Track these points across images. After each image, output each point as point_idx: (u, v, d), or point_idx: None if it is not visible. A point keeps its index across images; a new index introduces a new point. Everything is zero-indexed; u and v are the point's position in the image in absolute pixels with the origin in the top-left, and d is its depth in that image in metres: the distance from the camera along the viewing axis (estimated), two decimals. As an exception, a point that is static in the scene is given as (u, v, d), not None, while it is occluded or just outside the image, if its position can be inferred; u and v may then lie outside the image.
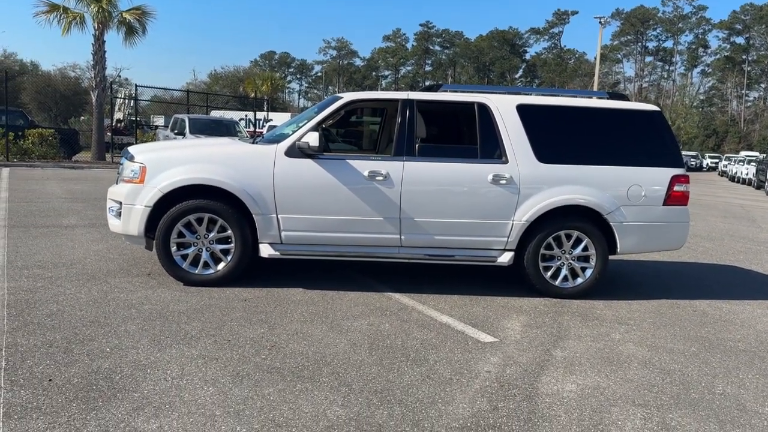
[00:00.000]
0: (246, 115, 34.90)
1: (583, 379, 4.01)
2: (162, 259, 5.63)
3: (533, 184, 5.79)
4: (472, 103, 5.97)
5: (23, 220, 8.69)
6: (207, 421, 3.15)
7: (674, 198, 6.02)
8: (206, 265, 5.68)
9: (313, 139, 5.55)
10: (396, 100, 6.01)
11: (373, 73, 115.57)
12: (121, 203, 5.65)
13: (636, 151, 6.05)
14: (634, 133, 6.10)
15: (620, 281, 6.93)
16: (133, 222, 5.59)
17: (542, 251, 5.91)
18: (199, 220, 5.60)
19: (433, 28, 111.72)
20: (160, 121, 37.34)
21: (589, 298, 6.00)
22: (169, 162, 5.66)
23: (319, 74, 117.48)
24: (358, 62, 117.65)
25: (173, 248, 5.60)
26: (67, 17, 22.64)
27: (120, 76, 44.19)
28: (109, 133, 27.06)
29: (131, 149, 6.05)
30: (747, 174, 35.43)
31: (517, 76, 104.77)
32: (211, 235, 5.64)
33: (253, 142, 6.35)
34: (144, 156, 5.74)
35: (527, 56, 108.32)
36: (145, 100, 37.39)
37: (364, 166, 5.69)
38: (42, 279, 5.65)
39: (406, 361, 4.15)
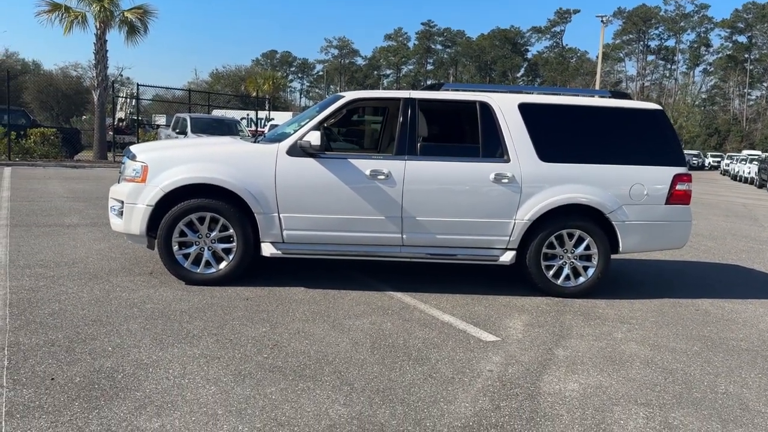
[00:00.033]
0: (248, 114, 34.90)
1: (586, 378, 4.01)
2: (164, 258, 5.63)
3: (535, 183, 5.79)
4: (474, 102, 5.97)
5: (25, 219, 8.69)
6: (209, 420, 3.15)
7: (676, 197, 6.01)
8: (208, 264, 5.68)
9: (314, 138, 5.55)
10: (398, 99, 6.00)
11: (375, 72, 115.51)
12: (123, 202, 5.65)
13: (638, 150, 6.04)
14: (637, 132, 6.09)
15: (622, 280, 6.92)
16: (135, 221, 5.59)
17: (544, 250, 5.90)
18: (201, 219, 5.60)
19: (434, 27, 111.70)
20: (161, 120, 37.35)
21: (591, 297, 5.99)
22: (171, 161, 5.66)
23: (321, 73, 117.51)
24: (359, 61, 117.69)
25: (175, 247, 5.61)
26: (69, 16, 22.69)
27: (122, 75, 44.26)
28: (110, 133, 27.11)
29: (133, 148, 6.06)
30: (749, 173, 35.38)
31: (518, 75, 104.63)
32: (213, 234, 5.64)
33: (254, 141, 6.35)
34: (146, 155, 5.74)
35: (529, 55, 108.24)
36: (147, 100, 37.43)
37: (366, 165, 5.69)
38: (44, 278, 5.65)
39: (408, 360, 4.15)
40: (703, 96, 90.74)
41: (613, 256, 6.08)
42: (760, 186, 31.43)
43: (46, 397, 3.30)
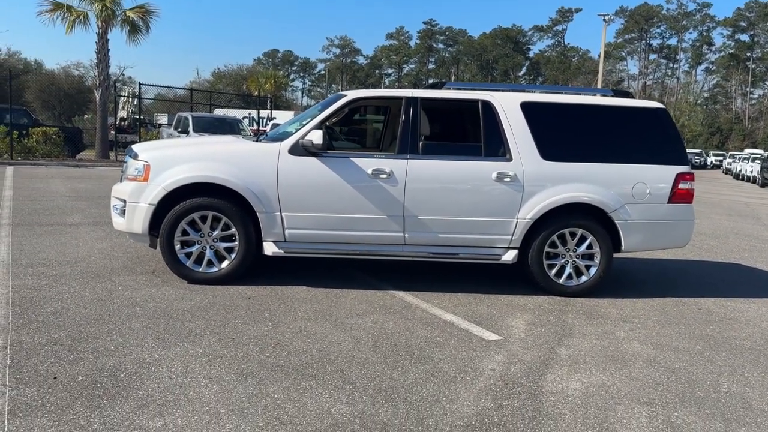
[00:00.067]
0: (249, 114, 34.89)
1: (588, 378, 4.00)
2: (166, 257, 5.63)
3: (537, 182, 5.78)
4: (476, 101, 5.96)
5: (27, 219, 8.70)
6: (211, 419, 3.15)
7: (679, 195, 6.00)
8: (210, 263, 5.68)
9: (316, 137, 5.55)
10: (400, 98, 6.00)
11: (377, 71, 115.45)
12: (125, 201, 5.66)
13: (641, 149, 6.03)
14: (639, 131, 6.08)
15: (625, 279, 6.91)
16: (137, 220, 5.59)
17: (546, 249, 5.89)
18: (203, 218, 5.60)
19: (436, 25, 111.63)
20: (163, 119, 37.36)
21: (594, 297, 5.98)
22: (173, 160, 5.66)
23: (323, 72, 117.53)
24: (361, 60, 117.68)
25: (177, 246, 5.61)
26: (71, 15, 22.71)
27: (123, 75, 44.27)
28: (112, 132, 27.11)
29: (135, 147, 6.06)
30: (751, 172, 35.31)
31: (520, 73, 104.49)
32: (215, 233, 5.64)
33: (256, 140, 6.35)
34: (148, 154, 5.74)
35: (531, 54, 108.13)
36: (149, 99, 37.50)
37: (368, 164, 5.69)
38: (46, 277, 5.66)
39: (410, 359, 4.14)
40: (706, 95, 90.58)
41: (615, 255, 6.07)
42: (763, 185, 31.39)
43: (48, 395, 3.30)
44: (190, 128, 18.19)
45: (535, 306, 5.63)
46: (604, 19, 41.76)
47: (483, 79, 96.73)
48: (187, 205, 5.54)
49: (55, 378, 3.52)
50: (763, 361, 4.51)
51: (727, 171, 46.38)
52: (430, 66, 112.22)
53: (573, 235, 5.92)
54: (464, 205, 5.75)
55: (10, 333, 4.18)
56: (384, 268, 6.67)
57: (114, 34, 31.54)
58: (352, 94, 6.01)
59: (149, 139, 22.89)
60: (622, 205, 5.87)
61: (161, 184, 5.53)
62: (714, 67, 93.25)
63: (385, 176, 5.65)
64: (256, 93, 41.27)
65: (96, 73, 24.23)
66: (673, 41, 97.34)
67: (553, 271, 5.95)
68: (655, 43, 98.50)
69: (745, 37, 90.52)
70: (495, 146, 5.84)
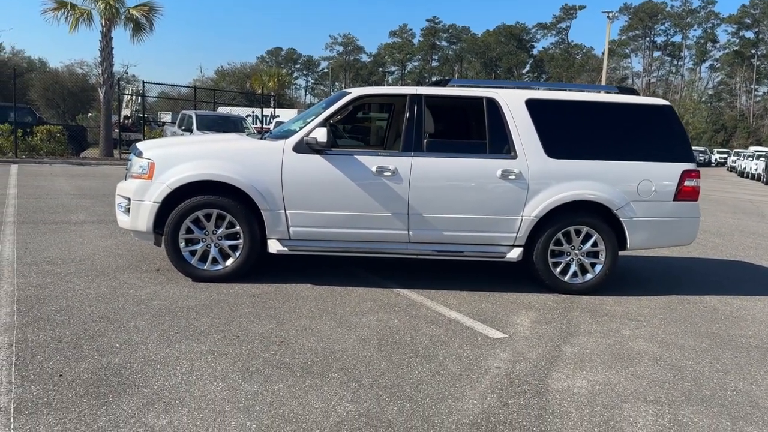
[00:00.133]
0: (253, 112, 34.90)
1: (594, 375, 3.99)
2: (171, 255, 5.63)
3: (542, 180, 5.76)
4: (480, 98, 5.94)
5: (32, 217, 8.72)
6: (217, 417, 3.15)
7: (685, 193, 5.97)
8: (215, 261, 5.68)
9: (321, 134, 5.54)
10: (404, 96, 5.98)
11: (380, 69, 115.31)
12: (129, 199, 5.66)
13: (646, 146, 6.00)
14: (645, 128, 6.06)
15: (630, 277, 6.89)
16: (142, 218, 5.59)
17: (551, 247, 5.88)
18: (208, 216, 5.60)
19: (439, 23, 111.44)
20: (167, 117, 37.41)
21: (599, 294, 5.97)
22: (177, 158, 5.66)
23: (326, 70, 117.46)
24: (364, 58, 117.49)
25: (182, 244, 5.61)
26: (75, 14, 22.75)
27: (127, 73, 44.41)
28: (116, 130, 27.17)
29: (139, 145, 6.06)
30: (756, 169, 35.21)
31: (524, 71, 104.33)
32: (220, 231, 5.64)
33: (260, 138, 6.34)
34: (152, 152, 5.74)
35: (534, 51, 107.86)
36: (153, 97, 37.53)
37: (372, 161, 5.68)
38: (51, 275, 5.66)
39: (415, 357, 4.13)
40: (710, 92, 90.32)
41: (620, 253, 6.05)
42: (767, 182, 31.27)
43: (54, 393, 3.30)
44: (194, 126, 18.20)
45: (540, 304, 5.61)
46: (608, 16, 41.62)
47: (486, 77, 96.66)
48: (191, 202, 5.54)
49: (60, 376, 3.52)
50: (769, 359, 4.49)
51: (732, 168, 46.25)
52: (434, 64, 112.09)
53: (578, 232, 5.90)
54: (469, 202, 5.73)
55: (15, 331, 4.18)
56: (388, 266, 6.66)
57: (118, 32, 31.54)
58: (356, 92, 6.00)
59: (153, 138, 22.91)
60: (627, 203, 5.85)
61: (165, 182, 5.53)
62: (718, 65, 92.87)
63: (389, 174, 5.64)
64: (259, 91, 41.26)
65: (100, 72, 24.31)
66: (677, 38, 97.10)
67: (558, 269, 5.93)
68: (659, 40, 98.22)
69: (749, 34, 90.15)
70: (500, 144, 5.82)
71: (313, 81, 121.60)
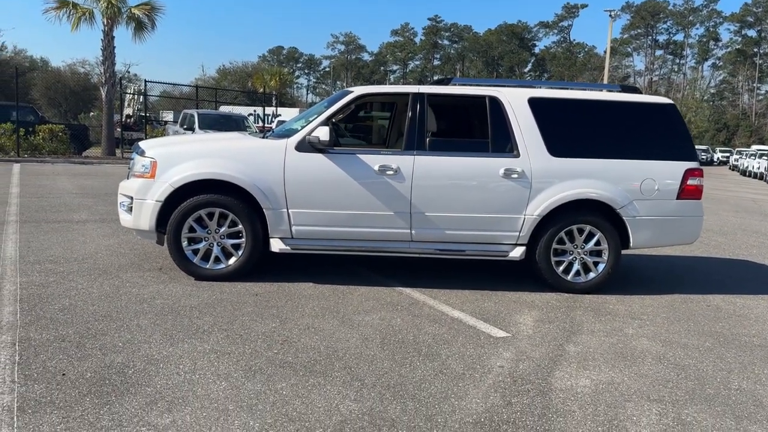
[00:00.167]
0: (255, 111, 34.93)
1: (597, 375, 3.98)
2: (173, 254, 5.63)
3: (545, 178, 5.75)
4: (483, 97, 5.93)
5: (35, 216, 8.73)
6: (220, 416, 3.15)
7: (688, 192, 5.96)
8: (217, 260, 5.68)
9: (323, 133, 5.53)
10: (407, 94, 5.98)
11: (382, 67, 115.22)
12: (132, 198, 5.66)
13: (649, 145, 5.99)
14: (648, 127, 6.04)
15: (632, 276, 6.88)
16: (144, 217, 5.59)
17: (554, 246, 5.87)
18: (210, 215, 5.60)
19: (441, 22, 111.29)
20: (169, 116, 37.45)
21: (602, 293, 5.96)
22: (179, 157, 5.66)
23: (327, 69, 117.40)
24: (366, 57, 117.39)
25: (184, 243, 5.61)
26: (77, 13, 22.77)
27: (129, 72, 44.46)
28: (118, 129, 27.19)
29: (142, 144, 6.06)
30: (758, 168, 35.16)
31: (526, 70, 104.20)
32: (222, 229, 5.64)
33: (263, 137, 6.34)
34: (155, 151, 5.74)
35: (536, 50, 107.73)
36: (155, 96, 37.53)
37: (375, 160, 5.67)
38: (54, 274, 5.67)
39: (418, 355, 4.13)
40: (712, 91, 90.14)
41: (623, 252, 6.04)
42: (770, 181, 31.21)
43: (57, 392, 3.30)
44: (196, 125, 18.20)
45: (543, 303, 5.61)
46: (610, 15, 41.59)
47: (488, 76, 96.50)
48: (194, 201, 5.54)
49: (63, 375, 3.52)
50: (773, 358, 4.48)
51: (734, 167, 46.17)
52: (435, 62, 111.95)
53: (581, 231, 5.89)
54: (471, 201, 5.72)
55: (18, 330, 4.19)
56: (390, 265, 6.65)
57: (119, 31, 31.66)
58: (358, 91, 5.99)
59: (155, 137, 22.92)
60: (630, 202, 5.84)
61: (168, 181, 5.53)
62: (721, 63, 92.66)
63: (391, 173, 5.64)
64: (261, 90, 41.26)
65: (102, 71, 24.33)
66: (679, 37, 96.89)
67: (561, 268, 5.92)
68: (661, 38, 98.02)
69: (752, 33, 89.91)
70: (502, 142, 5.81)
71: (314, 80, 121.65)
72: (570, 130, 5.95)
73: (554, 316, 5.23)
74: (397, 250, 5.84)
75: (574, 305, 5.58)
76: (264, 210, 5.59)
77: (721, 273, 7.43)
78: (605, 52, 46.86)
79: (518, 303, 5.56)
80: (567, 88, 6.37)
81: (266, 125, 29.04)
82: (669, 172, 5.93)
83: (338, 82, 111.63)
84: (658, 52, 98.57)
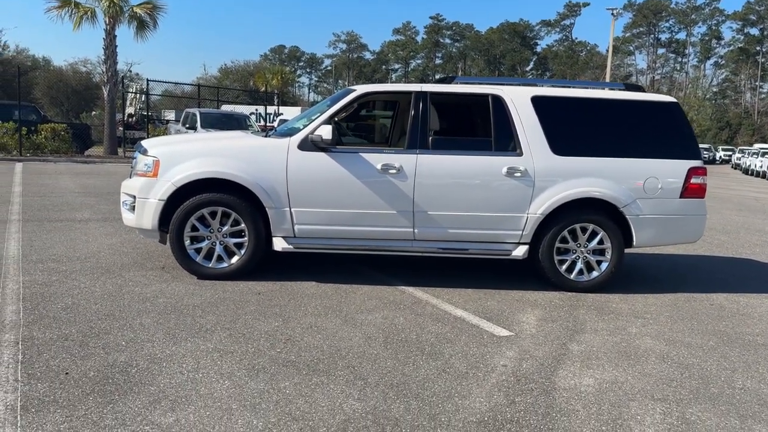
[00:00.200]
0: (256, 109, 34.93)
1: (601, 374, 3.97)
2: (176, 253, 5.63)
3: (548, 177, 5.74)
4: (486, 95, 5.92)
5: (37, 215, 8.73)
6: (223, 415, 3.14)
7: (691, 190, 5.94)
8: (220, 259, 5.68)
9: (326, 132, 5.52)
10: (409, 93, 5.97)
11: (383, 66, 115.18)
12: (134, 197, 5.66)
13: (652, 143, 5.97)
14: (651, 125, 6.03)
15: (636, 275, 6.87)
16: (147, 216, 5.59)
17: (557, 244, 5.86)
18: (213, 214, 5.60)
19: (443, 20, 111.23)
20: (171, 115, 37.48)
21: (605, 292, 5.95)
22: (182, 156, 5.66)
23: (329, 68, 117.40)
24: (367, 56, 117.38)
25: (187, 242, 5.61)
26: (79, 12, 22.77)
27: (131, 71, 44.42)
28: (120, 128, 27.20)
29: (144, 143, 6.06)
30: (761, 167, 35.09)
31: (528, 68, 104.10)
32: (225, 228, 5.63)
33: (265, 136, 6.33)
34: (157, 150, 5.74)
35: (538, 49, 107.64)
36: (157, 95, 37.47)
37: (377, 159, 5.66)
38: (57, 273, 5.67)
39: (421, 354, 4.12)
40: (714, 89, 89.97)
41: (626, 251, 6.03)
42: (773, 180, 31.16)
43: (60, 391, 3.30)
44: (198, 124, 18.22)
45: (546, 302, 5.60)
46: (612, 14, 41.55)
47: (490, 74, 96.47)
48: (196, 200, 5.54)
49: (66, 373, 3.52)
50: (777, 357, 4.47)
51: (737, 166, 46.08)
52: (437, 61, 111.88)
53: (584, 230, 5.88)
54: (474, 200, 5.71)
55: (21, 329, 4.19)
56: (393, 264, 6.65)
57: (121, 30, 31.67)
58: (361, 89, 5.99)
59: (157, 136, 22.94)
60: (633, 200, 5.82)
61: (171, 180, 5.53)
62: (723, 62, 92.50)
63: (394, 171, 5.63)
64: (263, 89, 41.27)
65: (104, 70, 24.31)
66: (681, 35, 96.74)
67: (564, 267, 5.91)
68: (663, 37, 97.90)
69: (754, 31, 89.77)
70: (505, 141, 5.80)
71: (316, 79, 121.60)
72: (573, 129, 5.94)
73: (557, 315, 5.22)
74: (400, 249, 5.83)
75: (577, 304, 5.57)
76: (266, 209, 5.59)
77: (724, 272, 7.41)
78: (607, 50, 46.80)
79: (521, 302, 5.55)
80: (571, 87, 6.35)
81: (268, 124, 29.03)
82: (672, 170, 5.91)
83: (340, 81, 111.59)
84: (661, 51, 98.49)
